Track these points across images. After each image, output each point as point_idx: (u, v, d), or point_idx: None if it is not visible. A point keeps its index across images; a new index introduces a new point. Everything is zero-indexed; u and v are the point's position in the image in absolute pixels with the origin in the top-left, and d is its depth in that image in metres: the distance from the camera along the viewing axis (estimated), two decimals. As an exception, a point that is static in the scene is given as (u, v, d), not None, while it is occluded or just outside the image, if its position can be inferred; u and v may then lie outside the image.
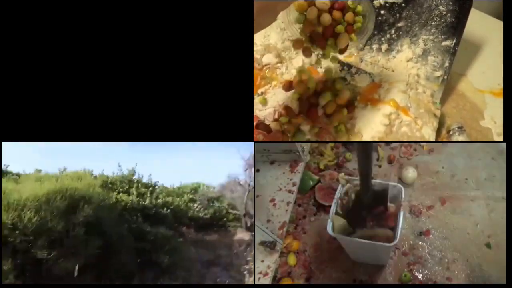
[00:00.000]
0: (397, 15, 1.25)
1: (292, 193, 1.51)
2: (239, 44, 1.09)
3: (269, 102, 1.22)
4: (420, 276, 1.32)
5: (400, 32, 1.27)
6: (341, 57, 1.23)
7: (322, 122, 1.17)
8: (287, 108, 1.16)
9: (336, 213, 1.26)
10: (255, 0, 0.78)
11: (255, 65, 1.27)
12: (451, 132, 1.23)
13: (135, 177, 3.03)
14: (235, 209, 3.48)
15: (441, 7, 1.22)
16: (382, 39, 1.28)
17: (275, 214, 1.45)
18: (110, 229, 1.91)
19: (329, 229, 1.21)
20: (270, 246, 1.32)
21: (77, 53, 1.09)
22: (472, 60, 1.42)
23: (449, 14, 1.22)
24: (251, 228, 3.06)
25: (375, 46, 1.28)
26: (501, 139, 1.25)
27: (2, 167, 2.62)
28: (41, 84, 1.09)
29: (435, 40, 1.25)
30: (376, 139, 1.15)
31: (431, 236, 1.44)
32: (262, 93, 1.24)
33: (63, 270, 1.58)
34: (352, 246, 1.31)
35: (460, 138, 1.21)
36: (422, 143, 1.80)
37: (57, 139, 1.11)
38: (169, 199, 3.04)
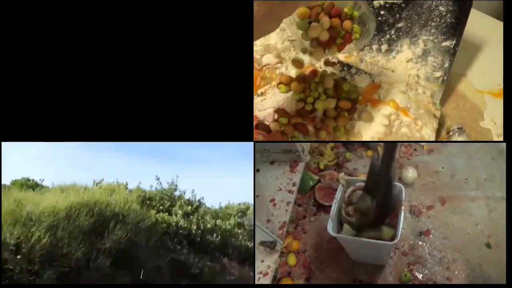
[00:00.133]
0: (397, 15, 1.25)
1: (292, 193, 1.51)
2: (239, 44, 1.09)
3: (268, 103, 1.22)
4: (420, 276, 1.32)
5: (400, 33, 1.27)
6: (341, 57, 1.24)
7: (320, 123, 1.17)
8: (282, 111, 1.16)
9: (346, 221, 1.25)
10: (257, 2, 0.78)
11: (255, 65, 1.27)
12: (450, 133, 1.23)
13: (176, 193, 2.41)
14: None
15: (441, 8, 1.22)
16: (382, 39, 1.28)
17: (275, 214, 1.45)
18: (146, 261, 1.47)
19: (329, 229, 1.21)
20: (270, 246, 1.32)
21: (77, 53, 1.09)
22: (472, 61, 1.42)
23: (449, 15, 1.22)
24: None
25: (375, 47, 1.29)
26: (501, 140, 1.25)
27: (38, 181, 2.37)
28: (41, 84, 1.09)
29: (435, 40, 1.25)
30: (376, 140, 1.15)
31: (431, 236, 1.44)
32: (262, 93, 1.24)
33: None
34: (352, 246, 1.31)
35: (460, 139, 1.21)
36: (422, 143, 1.80)
37: (57, 139, 1.11)
38: (219, 222, 2.45)
